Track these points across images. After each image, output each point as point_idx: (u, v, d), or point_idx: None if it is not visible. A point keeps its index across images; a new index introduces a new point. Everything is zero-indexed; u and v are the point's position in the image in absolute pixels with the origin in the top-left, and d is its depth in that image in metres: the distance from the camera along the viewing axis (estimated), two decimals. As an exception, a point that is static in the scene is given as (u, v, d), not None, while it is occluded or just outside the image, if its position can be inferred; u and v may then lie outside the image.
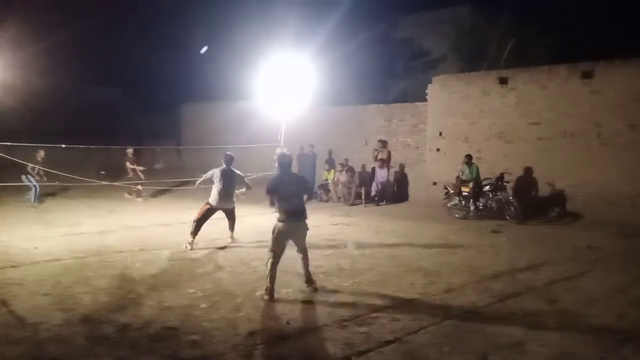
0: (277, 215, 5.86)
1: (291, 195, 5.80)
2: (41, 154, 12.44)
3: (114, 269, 6.62)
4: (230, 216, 8.44)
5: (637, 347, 4.44)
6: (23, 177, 12.00)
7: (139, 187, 13.93)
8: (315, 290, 5.79)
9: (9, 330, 4.41)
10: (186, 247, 7.91)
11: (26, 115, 15.38)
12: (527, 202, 11.22)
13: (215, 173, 8.18)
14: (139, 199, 13.89)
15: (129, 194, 14.04)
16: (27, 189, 12.36)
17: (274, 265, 5.60)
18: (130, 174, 13.98)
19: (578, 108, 11.41)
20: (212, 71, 20.07)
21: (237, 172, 8.43)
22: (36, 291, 5.57)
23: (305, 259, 5.91)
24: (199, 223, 8.07)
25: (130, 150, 14.32)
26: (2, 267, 6.56)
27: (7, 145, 9.08)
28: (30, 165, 12.21)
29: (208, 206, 8.17)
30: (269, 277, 5.53)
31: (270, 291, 5.49)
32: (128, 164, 14.14)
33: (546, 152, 11.80)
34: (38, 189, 12.66)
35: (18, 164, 9.63)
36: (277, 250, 5.66)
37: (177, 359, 3.94)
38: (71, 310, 4.98)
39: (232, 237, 8.43)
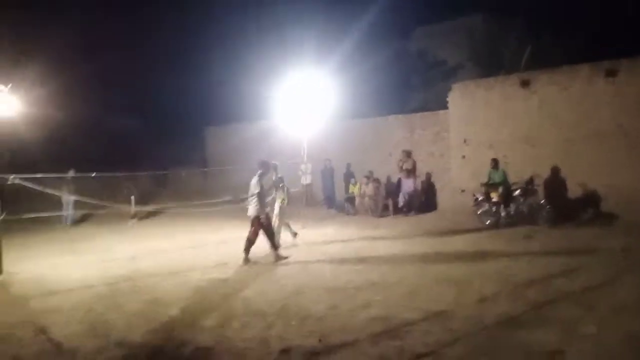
0: None
1: None
2: (71, 172, 13.08)
3: (145, 294, 6.70)
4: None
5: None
6: (63, 198, 12.83)
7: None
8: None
9: (48, 357, 4.49)
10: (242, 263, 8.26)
11: (50, 148, 15.84)
12: (559, 205, 10.97)
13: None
14: (133, 220, 14.30)
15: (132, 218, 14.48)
16: (64, 209, 13.00)
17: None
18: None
19: (602, 108, 11.19)
20: (233, 93, 20.35)
21: (253, 181, 8.54)
22: (72, 318, 5.68)
23: None
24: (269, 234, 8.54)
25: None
26: (39, 295, 6.71)
27: (37, 177, 9.32)
28: (65, 187, 12.91)
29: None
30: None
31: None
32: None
33: (573, 154, 11.57)
34: (72, 211, 13.29)
35: (46, 194, 9.89)
36: None
37: (212, 380, 3.94)
38: (106, 336, 5.06)
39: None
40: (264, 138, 16.37)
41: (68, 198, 13.44)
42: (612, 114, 11.05)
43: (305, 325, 5.18)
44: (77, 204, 13.52)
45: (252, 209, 8.38)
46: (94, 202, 12.50)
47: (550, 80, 12.02)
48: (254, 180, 8.46)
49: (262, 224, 8.40)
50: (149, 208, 14.56)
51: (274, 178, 9.49)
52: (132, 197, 14.51)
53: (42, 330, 5.23)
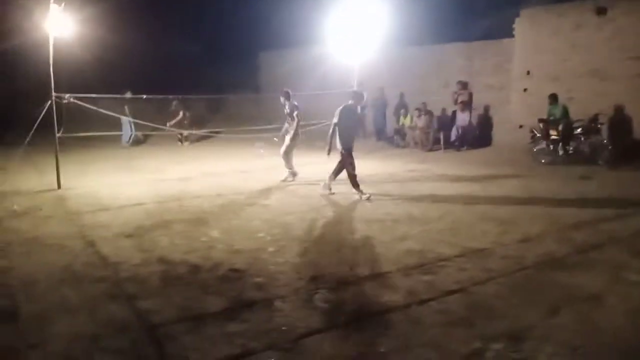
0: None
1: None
2: (128, 94, 13.51)
3: (191, 214, 6.94)
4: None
5: None
6: (123, 119, 13.60)
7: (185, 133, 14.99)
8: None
9: (93, 269, 4.77)
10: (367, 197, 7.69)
11: (104, 70, 16.16)
12: (622, 146, 10.26)
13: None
14: (186, 143, 14.98)
15: (180, 141, 15.08)
16: (123, 130, 13.93)
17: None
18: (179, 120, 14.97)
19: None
20: (286, 17, 19.80)
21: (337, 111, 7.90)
22: (121, 233, 5.97)
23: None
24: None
25: (174, 103, 15.13)
26: (92, 210, 7.08)
27: (92, 97, 9.58)
28: (126, 107, 13.47)
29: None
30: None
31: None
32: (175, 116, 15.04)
33: (645, 92, 10.64)
34: (133, 131, 13.97)
35: (102, 115, 10.21)
36: None
37: (241, 300, 4.07)
38: (150, 252, 5.29)
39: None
40: (317, 65, 16.00)
41: (127, 119, 14.00)
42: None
43: (339, 254, 5.22)
44: (137, 126, 14.11)
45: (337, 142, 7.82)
46: (149, 124, 12.91)
47: (629, 9, 10.88)
48: (337, 110, 7.87)
49: (344, 157, 7.87)
50: (202, 132, 14.84)
51: (287, 107, 9.15)
52: (185, 122, 14.99)
53: (91, 244, 5.54)
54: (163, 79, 16.49)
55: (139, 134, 14.89)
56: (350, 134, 7.84)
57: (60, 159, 8.51)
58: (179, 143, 15.19)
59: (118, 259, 5.06)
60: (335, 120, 7.74)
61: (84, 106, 9.05)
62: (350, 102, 7.93)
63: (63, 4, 7.94)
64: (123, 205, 7.40)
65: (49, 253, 5.23)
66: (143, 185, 8.89)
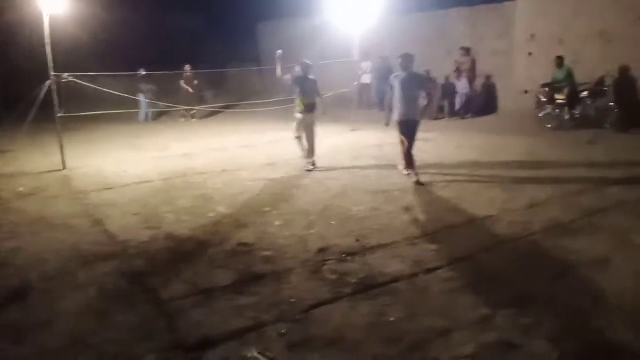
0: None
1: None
2: (142, 71, 13.39)
3: (196, 190, 6.95)
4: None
5: None
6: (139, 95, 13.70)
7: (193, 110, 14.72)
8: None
9: (100, 247, 4.81)
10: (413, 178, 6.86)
11: (104, 49, 16.00)
12: (630, 108, 10.13)
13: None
14: (193, 120, 14.76)
15: (183, 116, 14.69)
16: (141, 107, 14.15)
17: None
18: (190, 91, 14.68)
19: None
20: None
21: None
22: (127, 211, 5.99)
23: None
24: (408, 151, 6.94)
25: (188, 67, 14.70)
26: (98, 189, 7.11)
27: (91, 75, 9.50)
28: (142, 85, 13.47)
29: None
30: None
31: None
32: (182, 83, 14.66)
33: (653, 51, 10.44)
34: (147, 107, 14.31)
35: (103, 93, 10.13)
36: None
37: (250, 273, 4.11)
38: (157, 228, 5.32)
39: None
40: (317, 34, 15.77)
41: (141, 96, 14.01)
42: None
43: (345, 225, 5.23)
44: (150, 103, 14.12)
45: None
46: (151, 101, 12.87)
47: (638, -35, 10.60)
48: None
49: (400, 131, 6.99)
50: (205, 107, 14.77)
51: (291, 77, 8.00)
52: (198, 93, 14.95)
53: (98, 222, 5.58)
54: (162, 55, 16.34)
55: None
56: (397, 105, 6.97)
57: (63, 139, 8.50)
58: (182, 119, 14.98)
59: (125, 236, 5.10)
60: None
61: (84, 85, 8.98)
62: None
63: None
64: (128, 184, 7.41)
65: (56, 232, 5.27)
66: (148, 163, 8.89)
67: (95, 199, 6.60)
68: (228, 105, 15.68)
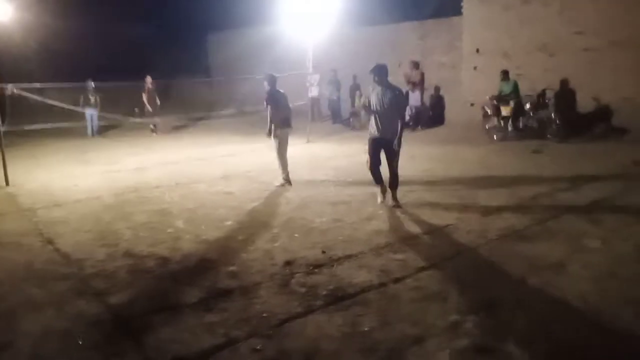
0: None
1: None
2: (89, 83, 12.83)
3: (152, 204, 6.75)
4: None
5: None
6: (81, 109, 12.83)
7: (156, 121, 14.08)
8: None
9: (55, 267, 4.58)
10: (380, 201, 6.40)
11: (49, 58, 15.36)
12: (570, 119, 10.71)
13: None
14: (159, 133, 14.13)
15: (153, 131, 14.20)
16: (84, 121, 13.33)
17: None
18: (149, 109, 14.01)
19: (631, 15, 10.53)
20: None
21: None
22: (79, 228, 5.74)
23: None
24: (373, 171, 6.32)
25: (149, 79, 14.14)
26: (46, 206, 6.77)
27: (37, 87, 9.07)
28: (83, 96, 12.95)
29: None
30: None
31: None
32: (143, 96, 14.11)
33: (592, 64, 11.10)
34: (95, 120, 13.60)
35: (49, 105, 9.67)
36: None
37: (216, 289, 4.02)
38: (114, 246, 5.13)
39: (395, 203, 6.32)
40: (269, 45, 15.80)
41: (89, 109, 13.36)
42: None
43: (309, 237, 5.22)
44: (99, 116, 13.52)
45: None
46: (109, 116, 12.39)
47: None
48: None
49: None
50: (155, 120, 14.36)
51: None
52: (136, 110, 14.39)
53: (49, 240, 5.31)
54: (111, 64, 15.87)
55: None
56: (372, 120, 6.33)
57: (6, 153, 8.07)
58: (153, 134, 14.19)
59: (81, 255, 4.88)
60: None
61: (30, 97, 8.57)
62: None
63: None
64: (78, 200, 7.11)
65: (7, 252, 4.98)
66: (97, 178, 8.57)
67: (44, 216, 6.29)
68: (177, 118, 15.40)
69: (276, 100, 7.40)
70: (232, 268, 4.46)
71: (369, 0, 15.94)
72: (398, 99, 6.17)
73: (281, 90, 7.54)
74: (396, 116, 6.16)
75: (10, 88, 7.90)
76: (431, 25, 14.41)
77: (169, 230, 5.61)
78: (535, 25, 11.95)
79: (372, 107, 6.20)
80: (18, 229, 5.74)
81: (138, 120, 13.71)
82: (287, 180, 7.58)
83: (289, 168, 7.61)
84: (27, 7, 8.16)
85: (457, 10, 13.55)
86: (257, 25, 17.52)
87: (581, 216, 5.59)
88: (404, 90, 12.86)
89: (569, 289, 3.83)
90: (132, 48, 19.49)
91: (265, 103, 7.47)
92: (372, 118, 6.24)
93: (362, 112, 6.47)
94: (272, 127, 7.39)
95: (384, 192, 6.43)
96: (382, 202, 6.38)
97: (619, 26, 10.71)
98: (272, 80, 7.44)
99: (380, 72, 6.21)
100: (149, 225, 5.81)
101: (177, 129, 15.07)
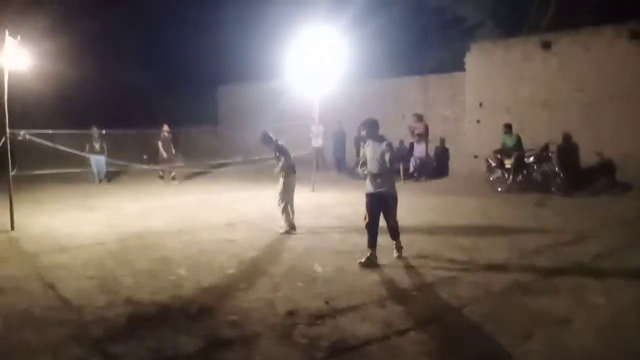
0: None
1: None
2: (94, 130, 13.03)
3: (154, 251, 6.74)
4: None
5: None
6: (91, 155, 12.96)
7: (171, 170, 14.12)
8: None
9: (55, 312, 4.54)
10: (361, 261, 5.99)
11: (61, 104, 15.72)
12: (573, 173, 10.78)
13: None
14: (175, 182, 14.09)
15: (161, 177, 14.26)
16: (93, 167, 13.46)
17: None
18: (164, 156, 14.15)
19: (625, 70, 10.80)
20: (245, 51, 20.00)
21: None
22: (81, 274, 5.72)
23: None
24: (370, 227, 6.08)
25: (166, 127, 14.29)
26: (49, 251, 6.78)
27: (49, 133, 9.27)
28: (88, 143, 13.13)
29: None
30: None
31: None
32: (159, 144, 14.23)
33: (592, 119, 11.28)
34: (102, 166, 13.61)
35: (60, 151, 9.84)
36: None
37: (217, 339, 3.96)
38: (114, 293, 5.09)
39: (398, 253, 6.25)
40: (276, 98, 16.17)
41: (94, 156, 13.52)
42: (635, 78, 10.67)
43: (311, 287, 5.18)
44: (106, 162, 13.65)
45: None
46: (112, 161, 12.52)
47: (572, 42, 11.63)
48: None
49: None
50: (162, 167, 14.52)
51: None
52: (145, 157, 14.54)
53: (51, 286, 5.28)
54: (122, 113, 16.20)
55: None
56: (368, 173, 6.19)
57: (14, 198, 8.15)
58: (162, 181, 14.16)
59: (81, 301, 4.84)
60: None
61: (41, 143, 8.73)
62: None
63: (19, 37, 7.73)
64: (81, 245, 7.12)
65: (6, 297, 4.95)
66: (101, 224, 8.59)
67: (46, 261, 6.28)
68: (183, 166, 15.56)
69: (284, 150, 7.81)
70: (232, 317, 4.41)
71: (372, 56, 16.42)
72: (388, 150, 6.00)
73: (280, 141, 7.96)
74: (389, 169, 6.06)
75: (23, 134, 8.05)
76: (434, 79, 14.77)
77: (171, 278, 5.58)
78: (535, 82, 12.24)
79: (366, 162, 6.12)
80: (20, 274, 5.72)
81: (145, 166, 13.86)
82: (292, 226, 7.71)
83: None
84: (43, 56, 8.41)
85: (459, 66, 13.91)
86: (266, 79, 17.99)
87: (585, 271, 5.54)
88: (407, 142, 13.04)
89: (574, 345, 3.76)
90: (143, 96, 19.95)
91: (276, 154, 7.85)
92: (368, 173, 6.12)
93: (360, 170, 6.29)
94: (283, 173, 7.74)
95: (372, 247, 6.04)
96: (369, 257, 5.98)
97: (615, 82, 10.95)
98: (268, 137, 7.89)
99: (371, 126, 6.20)
100: (151, 273, 5.79)
101: (187, 176, 15.18)
